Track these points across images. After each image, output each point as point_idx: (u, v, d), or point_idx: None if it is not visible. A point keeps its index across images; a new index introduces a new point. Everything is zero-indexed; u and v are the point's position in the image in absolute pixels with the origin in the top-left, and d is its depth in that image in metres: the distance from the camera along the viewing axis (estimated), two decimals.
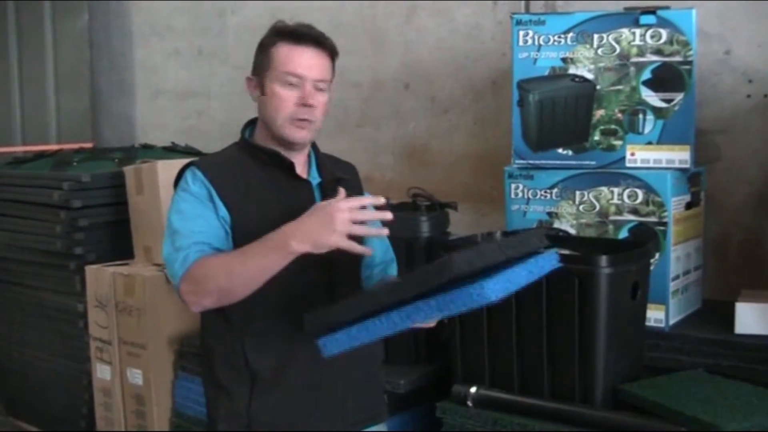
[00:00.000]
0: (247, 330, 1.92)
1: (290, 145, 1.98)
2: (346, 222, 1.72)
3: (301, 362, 1.93)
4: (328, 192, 1.99)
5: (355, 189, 2.12)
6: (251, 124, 2.08)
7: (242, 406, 1.93)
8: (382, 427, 2.13)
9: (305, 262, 1.80)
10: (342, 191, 1.83)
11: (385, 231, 1.83)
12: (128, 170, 3.39)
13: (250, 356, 1.92)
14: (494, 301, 1.59)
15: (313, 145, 2.09)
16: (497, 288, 1.60)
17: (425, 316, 1.64)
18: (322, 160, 2.09)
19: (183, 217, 1.91)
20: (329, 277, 1.96)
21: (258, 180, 1.96)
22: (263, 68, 1.98)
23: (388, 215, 1.81)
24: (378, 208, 1.81)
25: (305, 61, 1.94)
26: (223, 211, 1.91)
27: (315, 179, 2.04)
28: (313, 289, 1.94)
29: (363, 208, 1.76)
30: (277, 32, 1.99)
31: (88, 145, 4.60)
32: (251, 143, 2.02)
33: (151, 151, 3.90)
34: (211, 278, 1.80)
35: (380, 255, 2.12)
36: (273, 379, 1.93)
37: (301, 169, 2.02)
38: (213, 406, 2.01)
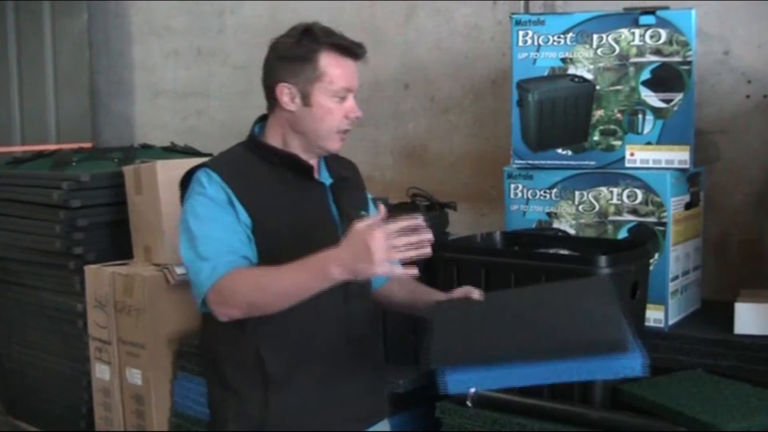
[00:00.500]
0: (262, 332, 1.90)
1: (323, 154, 1.99)
2: (384, 251, 1.67)
3: (313, 361, 1.94)
4: (338, 193, 2.01)
5: (357, 187, 2.13)
6: (260, 121, 2.04)
7: (254, 407, 1.92)
8: (385, 424, 2.14)
9: (314, 251, 1.81)
10: (381, 209, 1.77)
11: (427, 251, 1.73)
12: (127, 170, 3.39)
13: (264, 358, 1.91)
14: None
15: None
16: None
17: (574, 378, 1.63)
18: (329, 160, 2.08)
19: (202, 222, 1.87)
20: None
21: (272, 182, 1.95)
22: (307, 78, 1.91)
23: (427, 235, 1.74)
24: (414, 227, 1.74)
25: (353, 73, 1.95)
26: (244, 215, 1.88)
27: (327, 180, 2.04)
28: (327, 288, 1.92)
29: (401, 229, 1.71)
30: (319, 41, 1.93)
31: (88, 144, 4.60)
32: (263, 144, 1.99)
33: (150, 151, 3.90)
34: (243, 293, 1.80)
35: None
36: (285, 379, 1.92)
37: (315, 169, 2.02)
38: (220, 407, 2.00)
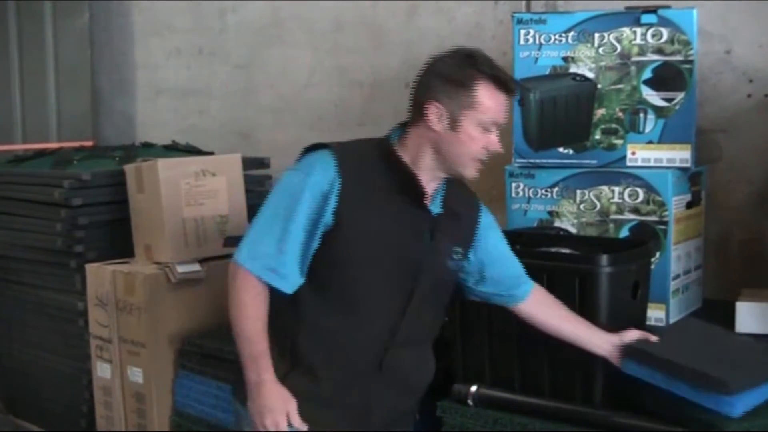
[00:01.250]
0: (308, 318, 1.96)
1: (456, 177, 2.01)
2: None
3: (343, 366, 1.97)
4: (440, 226, 2.01)
5: (467, 224, 2.11)
6: (400, 128, 2.05)
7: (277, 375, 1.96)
8: None
9: (392, 278, 1.95)
10: None
11: None
12: (129, 168, 3.39)
13: (299, 343, 1.95)
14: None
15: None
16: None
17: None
18: (449, 191, 2.07)
19: (282, 211, 1.92)
20: (407, 300, 1.99)
21: (380, 193, 1.95)
22: (461, 105, 1.92)
23: None
24: None
25: (504, 109, 1.96)
26: (329, 216, 1.91)
27: (435, 208, 2.03)
28: (387, 305, 1.98)
29: None
30: (480, 69, 1.93)
31: (89, 143, 4.60)
32: (393, 154, 1.99)
33: (151, 150, 3.90)
34: (235, 307, 1.94)
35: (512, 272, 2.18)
36: (311, 373, 1.96)
37: (428, 196, 2.01)
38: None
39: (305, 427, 1.93)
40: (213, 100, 4.40)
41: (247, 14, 4.21)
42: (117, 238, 3.45)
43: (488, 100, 1.92)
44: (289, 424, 1.91)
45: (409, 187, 1.97)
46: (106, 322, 3.23)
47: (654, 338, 2.07)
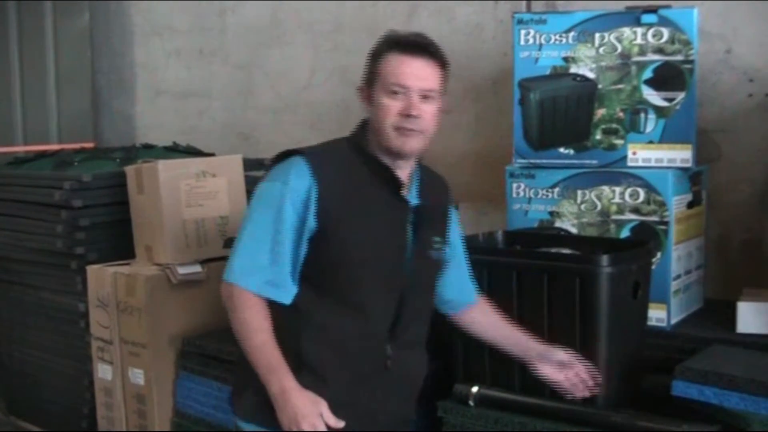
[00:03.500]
0: (309, 321, 1.94)
1: (397, 155, 1.97)
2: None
3: (348, 366, 1.96)
4: (420, 217, 2.01)
5: (443, 214, 2.13)
6: (363, 123, 2.05)
7: None
8: None
9: (384, 275, 1.95)
10: None
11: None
12: (129, 170, 3.39)
13: (303, 346, 1.93)
14: None
15: (420, 164, 2.08)
16: None
17: None
18: (424, 180, 2.07)
19: (265, 217, 1.92)
20: (400, 297, 1.99)
21: (362, 190, 1.96)
22: (372, 79, 1.96)
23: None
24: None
25: (413, 71, 1.93)
26: (312, 221, 1.91)
27: (413, 199, 2.03)
28: (382, 303, 1.98)
29: None
30: (388, 42, 1.97)
31: (89, 144, 4.60)
32: (366, 150, 1.99)
33: (152, 151, 3.90)
34: (237, 325, 1.93)
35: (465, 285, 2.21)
36: (317, 373, 1.94)
37: (404, 186, 2.01)
38: (245, 372, 1.98)
39: (341, 424, 1.90)
40: (213, 100, 4.40)
41: (247, 15, 4.21)
42: (118, 240, 3.45)
43: (391, 66, 1.93)
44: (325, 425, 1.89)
45: (385, 178, 1.97)
46: (107, 324, 3.23)
47: (568, 359, 2.11)
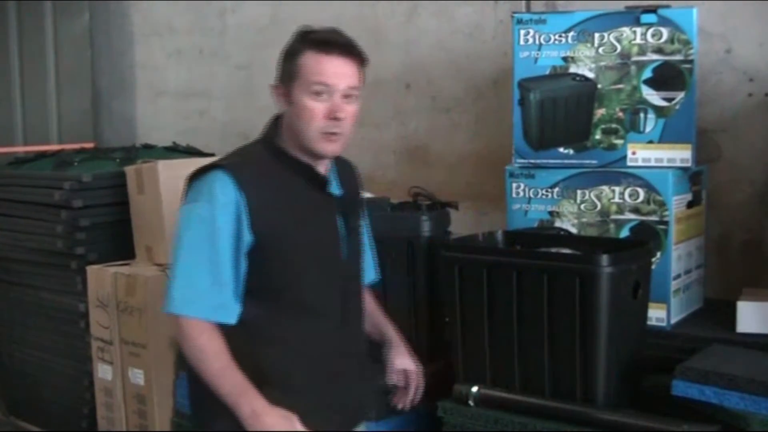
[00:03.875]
0: (260, 332, 1.91)
1: (321, 157, 1.95)
2: None
3: (310, 364, 1.95)
4: (346, 206, 2.01)
5: (359, 195, 2.15)
6: (276, 121, 2.00)
7: None
8: (367, 426, 2.18)
9: (325, 270, 1.94)
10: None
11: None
12: (129, 170, 3.39)
13: (260, 358, 1.90)
14: None
15: None
16: None
17: None
18: (340, 168, 2.07)
19: (202, 245, 1.85)
20: (344, 287, 2.00)
21: (289, 192, 1.93)
22: (291, 77, 1.91)
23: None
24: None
25: (333, 69, 1.88)
26: (248, 235, 1.86)
27: (336, 190, 2.02)
28: (329, 296, 1.97)
29: None
30: (304, 39, 1.91)
31: (89, 145, 4.60)
32: (284, 151, 1.96)
33: (152, 151, 3.90)
34: (193, 355, 1.88)
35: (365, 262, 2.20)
36: (280, 380, 1.92)
37: (328, 181, 2.01)
38: (207, 403, 1.95)
39: None
40: (213, 101, 4.40)
41: (247, 15, 4.21)
42: (118, 240, 3.46)
43: (311, 64, 1.87)
44: None
45: (309, 177, 1.95)
46: (107, 324, 3.23)
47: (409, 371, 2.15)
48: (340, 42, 1.90)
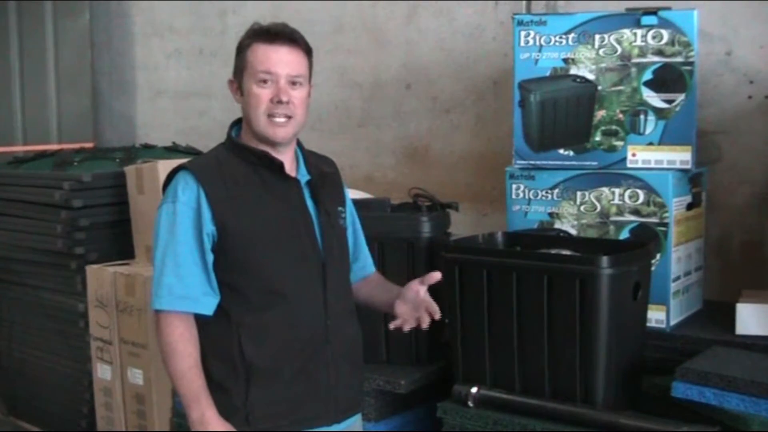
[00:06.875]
0: (245, 325, 1.95)
1: (273, 143, 1.99)
2: None
3: (295, 352, 1.97)
4: (316, 190, 2.05)
5: (336, 185, 2.18)
6: (237, 123, 2.09)
7: (239, 400, 1.95)
8: (359, 419, 2.17)
9: (299, 255, 1.96)
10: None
11: None
12: (129, 170, 3.39)
13: (246, 350, 1.94)
14: None
15: (299, 143, 2.11)
16: None
17: None
18: (308, 157, 2.11)
19: (173, 236, 1.94)
20: (322, 270, 2.01)
21: (249, 181, 1.99)
22: (241, 70, 2.01)
23: None
24: None
25: (278, 57, 1.97)
26: (210, 226, 1.94)
27: (304, 177, 2.06)
28: (307, 281, 1.99)
29: None
30: (252, 33, 2.02)
31: (89, 145, 4.61)
32: (239, 143, 2.03)
33: (152, 151, 3.90)
34: (166, 349, 1.94)
35: (363, 254, 2.24)
36: (269, 370, 1.95)
37: (289, 168, 2.04)
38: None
39: None
40: (213, 101, 4.40)
41: (248, 15, 4.20)
42: (117, 240, 3.46)
43: (257, 55, 1.97)
44: None
45: (265, 164, 1.99)
46: (107, 324, 3.24)
47: (437, 275, 2.09)
48: (284, 32, 2.00)
